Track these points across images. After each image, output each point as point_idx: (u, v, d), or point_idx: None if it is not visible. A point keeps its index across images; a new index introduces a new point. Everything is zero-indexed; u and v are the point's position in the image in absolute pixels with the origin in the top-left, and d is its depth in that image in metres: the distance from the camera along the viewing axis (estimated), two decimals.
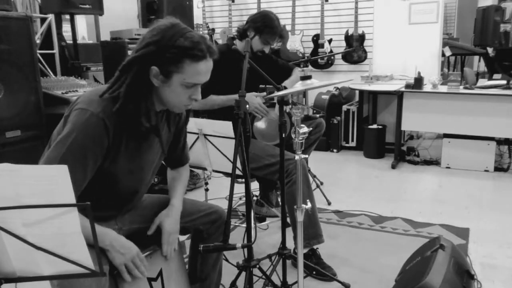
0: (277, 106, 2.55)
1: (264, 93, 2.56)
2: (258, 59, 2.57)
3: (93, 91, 1.42)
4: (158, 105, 1.46)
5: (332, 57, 5.23)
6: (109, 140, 1.37)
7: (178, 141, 1.71)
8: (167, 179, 1.79)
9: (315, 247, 2.42)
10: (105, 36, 4.07)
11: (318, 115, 4.05)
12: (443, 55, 5.16)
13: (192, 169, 3.56)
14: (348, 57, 5.15)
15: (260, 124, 2.61)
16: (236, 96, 2.55)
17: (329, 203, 3.42)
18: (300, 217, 1.70)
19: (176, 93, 1.39)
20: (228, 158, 2.07)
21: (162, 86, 1.38)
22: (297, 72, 2.90)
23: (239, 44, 2.70)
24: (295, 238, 2.36)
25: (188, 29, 1.38)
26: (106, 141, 1.37)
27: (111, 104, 1.36)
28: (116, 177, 1.46)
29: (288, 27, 5.31)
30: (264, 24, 2.60)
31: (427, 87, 4.28)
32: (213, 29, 5.66)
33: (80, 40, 3.99)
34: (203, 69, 1.38)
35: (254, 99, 2.48)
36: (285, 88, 2.32)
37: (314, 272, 2.35)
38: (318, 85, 1.92)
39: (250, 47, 2.60)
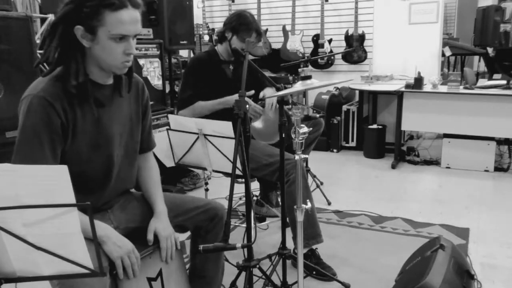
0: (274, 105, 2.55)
1: (253, 91, 2.55)
2: (241, 63, 2.60)
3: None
4: (97, 70, 1.44)
5: (332, 57, 5.23)
6: (61, 116, 1.37)
7: (145, 120, 1.69)
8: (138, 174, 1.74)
9: (314, 247, 2.42)
10: None
11: (318, 115, 4.04)
12: (443, 55, 5.16)
13: (192, 169, 3.56)
14: (348, 57, 5.15)
15: (257, 124, 2.61)
16: (224, 99, 2.58)
17: (329, 203, 3.41)
18: (300, 217, 1.70)
19: (107, 49, 1.37)
20: (228, 158, 2.07)
21: (93, 45, 1.37)
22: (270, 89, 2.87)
23: (219, 48, 2.74)
24: (294, 238, 2.36)
25: None
26: (57, 119, 1.36)
27: (50, 81, 1.36)
28: (82, 155, 1.44)
29: (288, 27, 5.31)
30: (239, 22, 2.64)
31: (427, 87, 4.28)
32: (213, 29, 5.66)
33: None
34: (126, 18, 1.35)
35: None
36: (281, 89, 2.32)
37: (314, 272, 2.35)
38: (318, 85, 1.92)
39: (231, 49, 2.63)
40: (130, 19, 1.36)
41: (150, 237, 1.56)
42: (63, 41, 1.36)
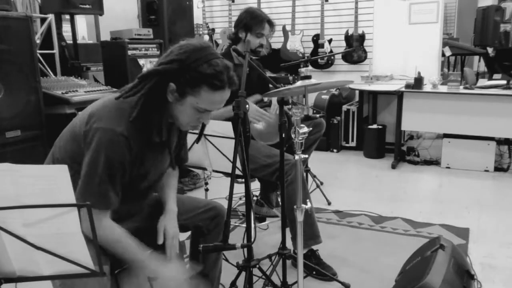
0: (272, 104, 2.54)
1: (259, 97, 2.54)
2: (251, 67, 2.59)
3: (108, 103, 1.42)
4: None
5: (332, 57, 5.23)
6: (131, 155, 1.40)
7: (182, 143, 1.72)
8: None
9: (313, 247, 2.42)
10: (105, 36, 4.07)
11: (318, 115, 4.03)
12: (443, 55, 5.16)
13: (192, 169, 3.56)
14: (348, 57, 5.15)
15: (258, 124, 2.61)
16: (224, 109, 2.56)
17: (329, 203, 3.41)
18: (300, 217, 1.70)
19: (186, 113, 1.41)
20: (228, 158, 2.07)
21: (175, 103, 1.40)
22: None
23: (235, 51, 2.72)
24: (293, 239, 2.36)
25: (216, 55, 1.39)
26: (129, 157, 1.39)
27: (131, 121, 1.37)
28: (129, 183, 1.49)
29: (288, 27, 5.31)
30: (249, 18, 2.65)
31: (427, 87, 4.28)
32: (213, 29, 5.66)
33: (80, 40, 3.99)
34: (218, 99, 1.40)
35: (250, 106, 2.43)
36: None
37: (314, 272, 2.35)
38: (321, 85, 1.91)
39: (250, 48, 2.61)
40: (221, 99, 1.41)
41: (161, 238, 1.57)
42: (152, 91, 1.37)
